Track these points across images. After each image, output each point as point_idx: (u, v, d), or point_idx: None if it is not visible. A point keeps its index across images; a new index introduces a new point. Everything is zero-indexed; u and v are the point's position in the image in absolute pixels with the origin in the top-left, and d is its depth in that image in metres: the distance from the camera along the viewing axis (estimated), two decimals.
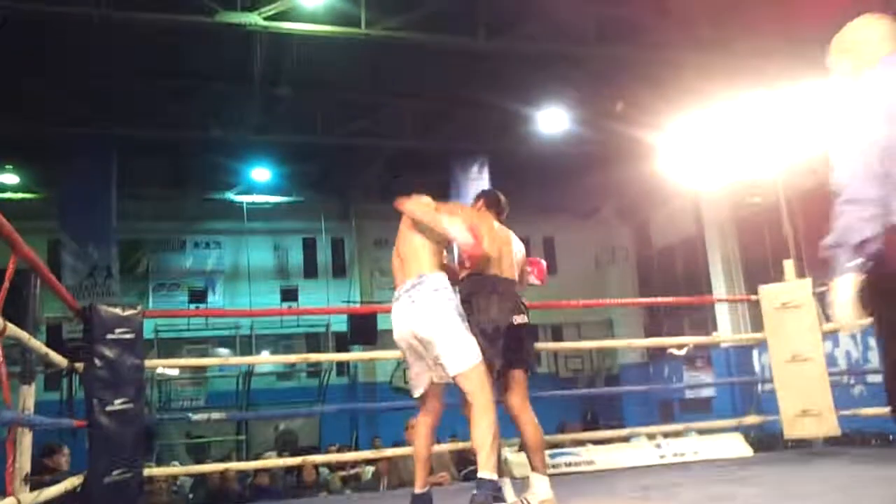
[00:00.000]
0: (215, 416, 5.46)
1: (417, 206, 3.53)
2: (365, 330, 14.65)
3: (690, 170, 11.25)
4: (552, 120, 12.91)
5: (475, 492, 3.18)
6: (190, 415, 6.73)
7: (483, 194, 4.08)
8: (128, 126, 12.11)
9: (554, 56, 11.00)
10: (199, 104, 12.29)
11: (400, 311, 3.42)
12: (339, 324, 15.91)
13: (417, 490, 3.42)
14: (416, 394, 3.50)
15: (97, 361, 4.16)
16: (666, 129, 11.14)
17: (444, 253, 3.62)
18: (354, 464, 8.99)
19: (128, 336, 4.31)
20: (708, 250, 14.90)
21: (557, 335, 18.08)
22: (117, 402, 4.15)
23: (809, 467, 4.67)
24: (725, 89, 10.04)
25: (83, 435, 4.14)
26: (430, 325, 3.30)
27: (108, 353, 4.20)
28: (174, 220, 16.61)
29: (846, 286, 2.20)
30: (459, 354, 3.25)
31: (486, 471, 3.16)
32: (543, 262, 3.89)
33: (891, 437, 8.23)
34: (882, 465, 4.68)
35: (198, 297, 16.32)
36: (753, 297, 5.90)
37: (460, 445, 6.18)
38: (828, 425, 5.24)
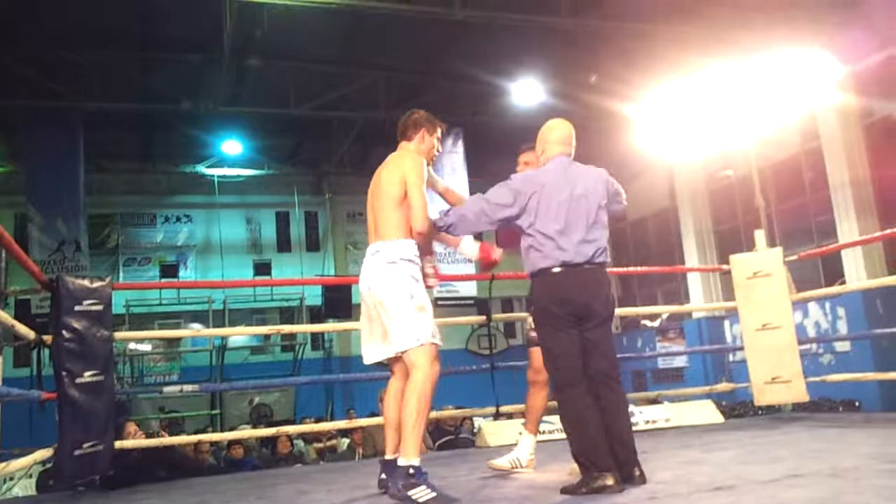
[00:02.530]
0: (187, 388, 5.42)
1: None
2: (339, 303, 14.61)
3: (664, 142, 11.27)
4: (527, 91, 12.86)
5: (389, 482, 3.09)
6: (163, 388, 6.67)
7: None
8: (95, 99, 11.89)
9: (528, 27, 10.92)
10: (169, 76, 12.08)
11: (363, 273, 3.32)
12: (314, 298, 15.85)
13: (388, 456, 3.33)
14: (367, 361, 3.38)
15: (65, 333, 4.09)
16: (640, 101, 11.14)
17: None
18: (330, 436, 9.00)
19: (96, 308, 4.24)
20: (681, 222, 15.00)
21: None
22: (87, 374, 4.09)
23: (779, 432, 4.74)
24: (698, 61, 10.04)
25: (51, 408, 4.09)
26: (382, 299, 3.18)
27: (77, 324, 4.14)
28: (144, 193, 16.40)
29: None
30: (406, 332, 3.13)
31: (403, 456, 2.99)
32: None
33: (857, 403, 8.41)
34: (849, 429, 4.77)
35: (169, 271, 16.18)
36: (725, 267, 5.95)
37: (435, 415, 6.23)
38: (796, 392, 5.32)
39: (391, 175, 3.33)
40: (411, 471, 2.94)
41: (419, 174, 3.31)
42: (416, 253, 3.27)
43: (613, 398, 3.19)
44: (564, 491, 3.00)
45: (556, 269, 3.18)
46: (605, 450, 3.02)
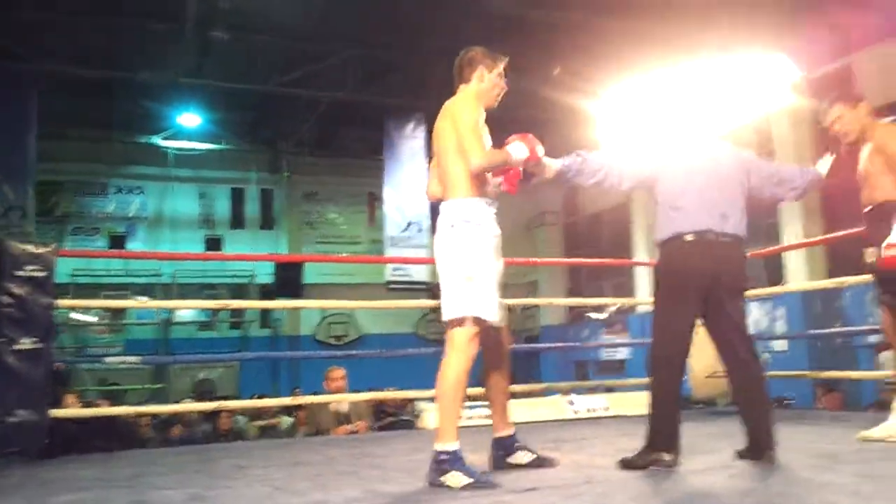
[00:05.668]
0: (130, 359, 5.35)
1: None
2: (290, 282, 14.53)
3: (623, 138, 11.41)
4: None
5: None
6: (104, 358, 6.57)
7: None
8: (50, 62, 11.57)
9: (492, 17, 10.89)
10: (128, 42, 11.78)
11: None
12: (265, 276, 15.71)
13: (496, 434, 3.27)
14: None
15: (4, 298, 4.03)
16: (601, 97, 11.24)
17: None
18: (273, 413, 8.96)
19: (39, 274, 4.18)
20: (633, 218, 15.19)
21: None
22: (25, 340, 4.03)
23: (714, 425, 4.87)
24: (660, 59, 10.17)
25: None
26: (438, 263, 3.02)
27: (17, 290, 4.08)
28: (97, 162, 16.01)
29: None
30: (448, 302, 2.95)
31: (439, 441, 2.81)
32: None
33: (791, 399, 8.64)
34: (781, 425, 4.90)
35: (118, 242, 15.91)
36: None
37: (380, 396, 6.26)
38: None
39: (443, 123, 3.13)
40: (443, 456, 2.77)
41: (470, 110, 3.08)
42: (480, 212, 3.01)
43: (743, 380, 3.22)
44: (625, 465, 3.08)
45: (689, 238, 3.13)
46: (671, 431, 3.09)
